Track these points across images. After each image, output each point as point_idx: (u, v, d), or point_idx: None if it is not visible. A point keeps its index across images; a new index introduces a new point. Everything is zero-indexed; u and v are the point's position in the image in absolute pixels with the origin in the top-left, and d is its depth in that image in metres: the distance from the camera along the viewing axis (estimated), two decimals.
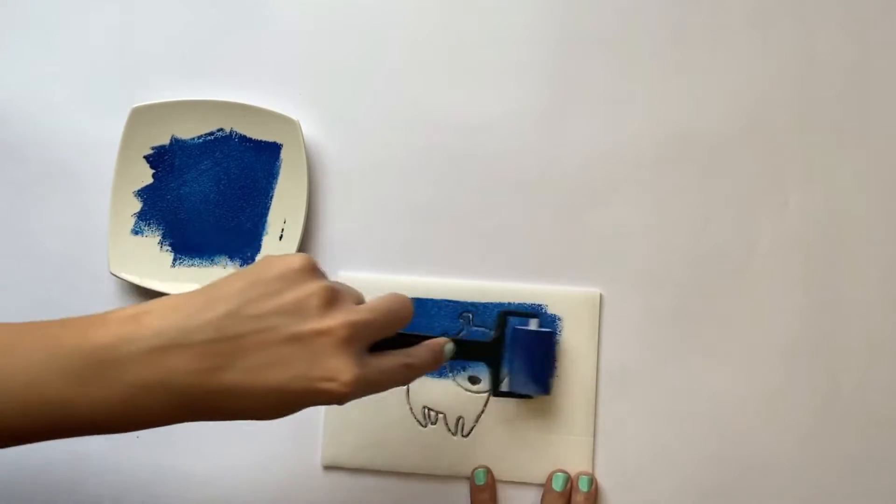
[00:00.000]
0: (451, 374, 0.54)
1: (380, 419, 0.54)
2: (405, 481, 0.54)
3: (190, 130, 0.56)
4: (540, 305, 0.54)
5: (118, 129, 0.55)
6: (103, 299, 0.56)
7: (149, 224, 0.56)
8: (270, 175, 0.56)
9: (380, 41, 0.58)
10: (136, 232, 0.56)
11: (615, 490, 0.53)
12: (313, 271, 0.38)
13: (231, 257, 0.56)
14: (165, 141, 0.56)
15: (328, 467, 0.54)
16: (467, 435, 0.54)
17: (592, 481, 0.52)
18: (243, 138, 0.56)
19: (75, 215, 0.57)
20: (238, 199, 0.56)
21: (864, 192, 0.55)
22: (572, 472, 0.53)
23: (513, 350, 0.52)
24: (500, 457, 0.53)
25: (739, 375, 0.54)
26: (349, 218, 0.56)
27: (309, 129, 0.56)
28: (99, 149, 0.57)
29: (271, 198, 0.56)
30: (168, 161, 0.56)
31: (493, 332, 0.53)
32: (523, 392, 0.52)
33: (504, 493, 0.53)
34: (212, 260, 0.56)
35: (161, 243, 0.56)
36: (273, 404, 0.36)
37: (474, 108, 0.57)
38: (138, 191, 0.56)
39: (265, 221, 0.56)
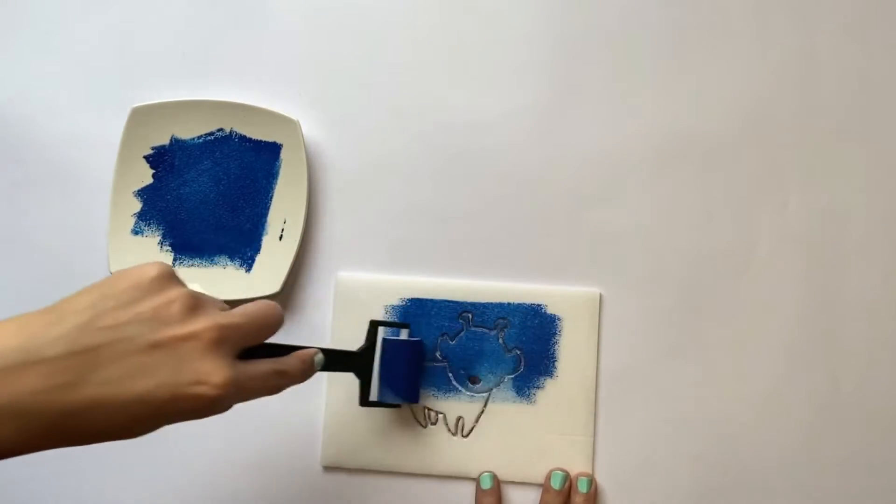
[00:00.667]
0: (450, 375, 0.54)
1: (380, 419, 0.54)
2: (405, 481, 0.54)
3: (190, 130, 0.56)
4: (540, 305, 0.54)
5: (118, 129, 0.55)
6: None
7: (149, 224, 0.56)
8: (270, 175, 0.56)
9: (380, 41, 0.58)
10: (136, 232, 0.56)
11: (615, 490, 0.53)
12: (171, 278, 0.37)
13: (231, 257, 0.56)
14: (165, 141, 0.56)
15: (328, 467, 0.54)
16: (467, 435, 0.54)
17: (592, 482, 0.52)
18: (243, 138, 0.56)
19: (75, 215, 0.57)
20: (238, 199, 0.56)
21: (864, 192, 0.55)
22: (572, 473, 0.53)
23: (382, 360, 0.51)
24: (500, 457, 0.53)
25: (739, 375, 0.54)
26: (349, 218, 0.56)
27: (309, 129, 0.56)
28: (99, 149, 0.57)
29: (271, 198, 0.56)
30: (168, 161, 0.56)
31: (365, 343, 0.52)
32: (391, 401, 0.52)
33: (504, 493, 0.53)
34: (212, 260, 0.56)
35: (161, 243, 0.56)
36: (138, 417, 0.34)
37: (474, 107, 0.57)
38: (138, 191, 0.56)
39: (265, 221, 0.56)
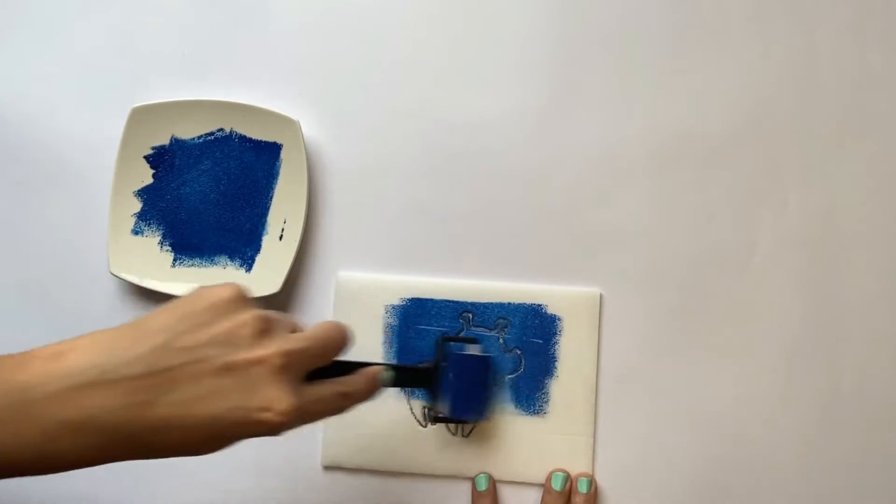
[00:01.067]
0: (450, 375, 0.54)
1: (380, 419, 0.54)
2: (405, 481, 0.54)
3: (190, 130, 0.56)
4: (540, 305, 0.54)
5: (118, 129, 0.55)
6: (103, 299, 0.56)
7: (149, 224, 0.56)
8: (270, 175, 0.56)
9: (380, 41, 0.58)
10: (136, 232, 0.56)
11: (615, 490, 0.53)
12: (244, 301, 0.38)
13: (231, 257, 0.56)
14: (165, 141, 0.56)
15: (328, 467, 0.54)
16: (467, 435, 0.54)
17: (592, 483, 0.52)
18: (243, 138, 0.56)
19: (75, 215, 0.57)
20: (238, 199, 0.56)
21: (864, 191, 0.55)
22: (572, 473, 0.53)
23: (451, 375, 0.50)
24: (500, 457, 0.53)
25: (740, 375, 0.54)
26: (349, 218, 0.56)
27: (309, 129, 0.56)
28: (99, 149, 0.57)
29: (271, 198, 0.56)
30: (168, 161, 0.56)
31: (433, 358, 0.53)
32: (461, 417, 0.51)
33: (504, 493, 0.53)
34: (212, 260, 0.56)
35: (161, 243, 0.56)
36: (207, 437, 0.35)
37: (474, 107, 0.57)
38: (138, 191, 0.56)
39: (265, 221, 0.56)
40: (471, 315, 0.54)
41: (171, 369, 0.35)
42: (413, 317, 0.55)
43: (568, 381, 0.54)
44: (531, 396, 0.54)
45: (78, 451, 0.34)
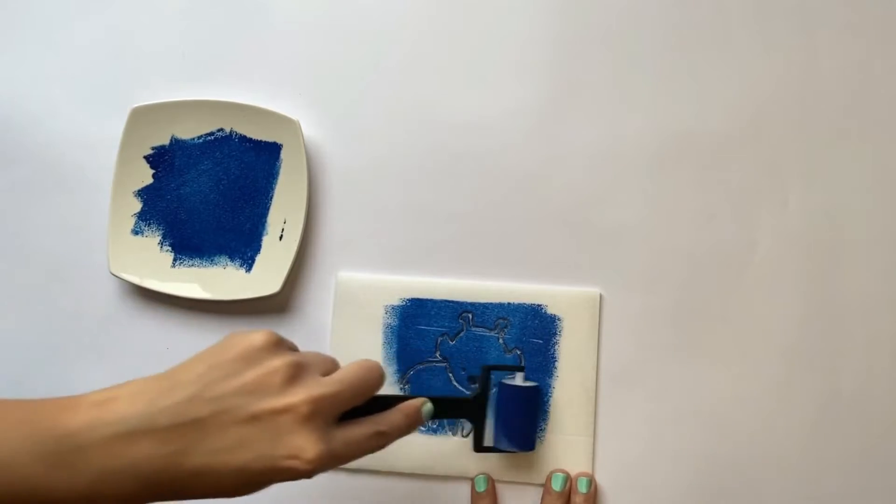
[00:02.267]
0: (450, 375, 0.54)
1: None
2: (405, 481, 0.54)
3: (190, 130, 0.56)
4: (540, 305, 0.54)
5: (118, 129, 0.55)
6: (103, 299, 0.56)
7: (149, 224, 0.56)
8: (270, 175, 0.56)
9: (380, 41, 0.58)
10: (136, 232, 0.56)
11: (615, 490, 0.53)
12: (276, 346, 0.38)
13: (231, 257, 0.56)
14: (165, 141, 0.56)
15: None
16: (467, 435, 0.54)
17: (591, 482, 0.52)
18: (243, 138, 0.56)
19: (75, 215, 0.57)
20: (238, 199, 0.56)
21: (864, 192, 0.55)
22: (572, 473, 0.53)
23: (498, 405, 0.51)
24: (500, 457, 0.53)
25: (739, 375, 0.54)
26: (349, 218, 0.56)
27: (309, 129, 0.56)
28: (99, 149, 0.57)
29: (271, 198, 0.56)
30: (168, 161, 0.56)
31: (476, 387, 0.53)
32: (506, 448, 0.51)
33: (504, 493, 0.53)
34: (212, 260, 0.56)
35: (161, 243, 0.56)
36: (239, 484, 0.36)
37: (474, 107, 0.57)
38: (138, 191, 0.56)
39: (265, 221, 0.56)
40: (471, 315, 0.54)
41: (201, 420, 0.35)
42: (413, 317, 0.55)
43: (568, 381, 0.54)
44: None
45: (119, 496, 0.35)
